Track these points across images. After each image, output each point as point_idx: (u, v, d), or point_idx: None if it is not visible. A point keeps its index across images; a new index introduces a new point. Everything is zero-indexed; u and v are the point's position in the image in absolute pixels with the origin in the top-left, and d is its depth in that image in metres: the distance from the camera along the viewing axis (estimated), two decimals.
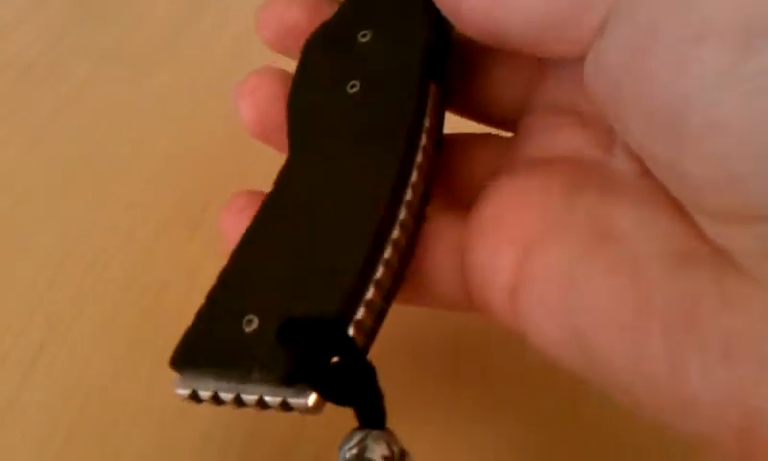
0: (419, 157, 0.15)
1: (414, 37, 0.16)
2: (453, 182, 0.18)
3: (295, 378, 0.13)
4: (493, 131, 0.19)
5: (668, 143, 0.12)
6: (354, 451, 0.13)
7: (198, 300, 0.22)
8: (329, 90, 0.16)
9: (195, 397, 0.14)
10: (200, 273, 0.23)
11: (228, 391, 0.14)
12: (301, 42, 0.17)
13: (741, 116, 0.11)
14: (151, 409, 0.19)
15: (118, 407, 0.19)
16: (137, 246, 0.23)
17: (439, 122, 0.17)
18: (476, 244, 0.16)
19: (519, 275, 0.15)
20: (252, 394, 0.14)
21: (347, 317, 0.14)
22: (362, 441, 0.13)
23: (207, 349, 0.14)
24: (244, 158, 0.26)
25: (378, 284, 0.14)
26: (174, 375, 0.15)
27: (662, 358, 0.12)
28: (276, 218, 0.15)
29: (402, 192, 0.15)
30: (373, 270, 0.14)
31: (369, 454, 0.13)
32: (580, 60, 0.14)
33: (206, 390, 0.14)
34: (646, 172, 0.14)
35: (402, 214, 0.15)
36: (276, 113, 0.17)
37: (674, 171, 0.12)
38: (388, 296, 0.15)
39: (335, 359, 0.13)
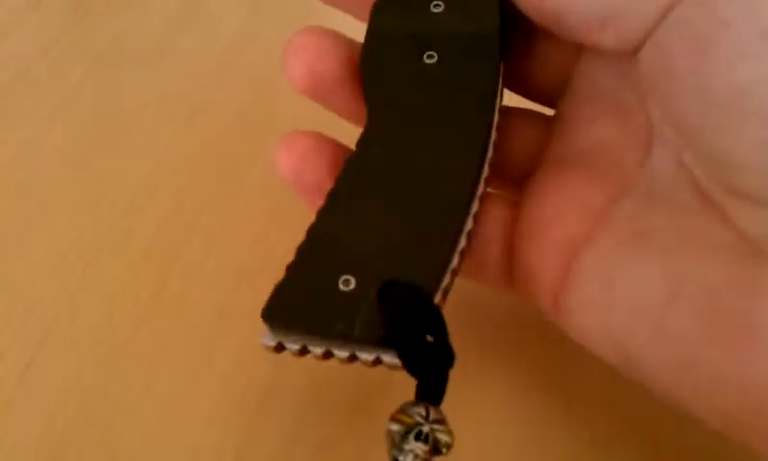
0: (493, 135, 0.16)
1: (488, 17, 0.17)
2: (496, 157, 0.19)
3: (389, 341, 0.14)
4: (533, 106, 0.20)
5: (719, 126, 0.13)
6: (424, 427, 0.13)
7: (196, 300, 0.23)
8: (406, 57, 0.17)
9: (279, 348, 0.15)
10: (198, 273, 0.23)
11: (317, 345, 0.15)
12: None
13: None
14: (148, 409, 0.20)
15: (115, 407, 0.20)
16: (135, 246, 0.23)
17: (502, 100, 0.18)
18: (524, 245, 0.17)
19: (563, 276, 0.16)
20: (345, 350, 0.14)
21: (437, 286, 0.15)
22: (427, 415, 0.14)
23: (301, 304, 0.15)
24: (241, 158, 0.26)
25: (461, 254, 0.15)
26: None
27: (691, 341, 0.13)
28: (363, 180, 0.16)
29: (482, 167, 0.16)
30: (459, 240, 0.15)
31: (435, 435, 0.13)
32: (631, 55, 0.15)
33: (295, 343, 0.15)
34: (680, 167, 0.15)
35: (480, 188, 0.16)
36: (327, 71, 0.17)
37: (718, 153, 0.13)
38: (463, 263, 0.16)
39: (430, 339, 0.14)
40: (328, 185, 0.16)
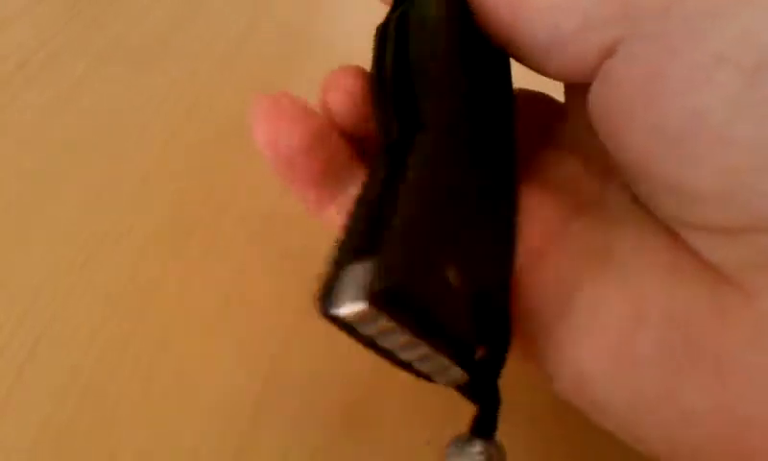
0: None
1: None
2: None
3: (484, 370, 0.13)
4: None
5: (674, 157, 0.13)
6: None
7: (192, 298, 0.22)
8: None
9: (349, 324, 0.12)
10: (195, 272, 0.23)
11: (398, 338, 0.12)
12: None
13: (750, 136, 0.12)
14: (146, 408, 0.19)
15: (114, 405, 0.19)
16: (134, 243, 0.23)
17: None
18: None
19: (516, 295, 0.15)
20: (420, 350, 0.12)
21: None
22: (487, 451, 0.13)
23: (416, 287, 0.11)
24: (241, 156, 0.26)
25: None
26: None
27: (655, 371, 0.13)
28: (446, 166, 0.14)
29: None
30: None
31: None
32: (584, 83, 0.14)
33: (374, 326, 0.12)
34: (636, 202, 0.15)
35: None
36: (295, 145, 0.16)
37: (675, 186, 0.13)
38: None
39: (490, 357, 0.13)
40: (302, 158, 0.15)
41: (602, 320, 0.14)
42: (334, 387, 0.20)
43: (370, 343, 0.12)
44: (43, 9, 0.32)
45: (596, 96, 0.14)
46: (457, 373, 0.13)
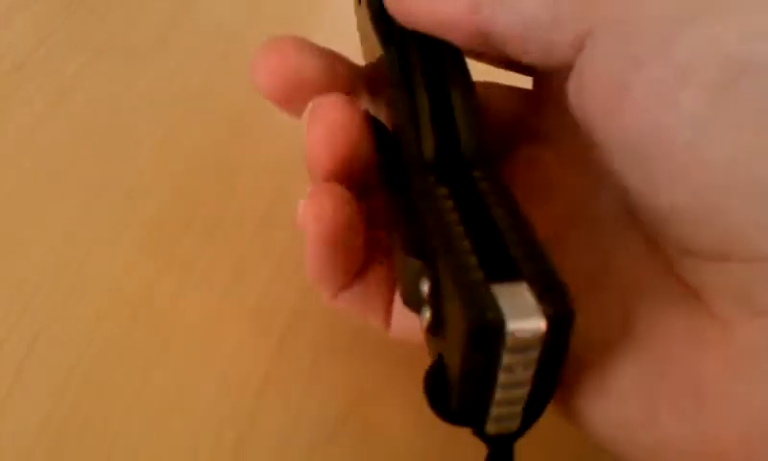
0: None
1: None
2: None
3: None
4: None
5: (644, 175, 0.12)
6: None
7: (189, 296, 0.22)
8: None
9: (491, 347, 0.11)
10: (192, 268, 0.23)
11: (512, 374, 0.12)
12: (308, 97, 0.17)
13: (716, 156, 0.11)
14: (143, 405, 0.19)
15: (111, 403, 0.19)
16: (130, 240, 0.23)
17: None
18: None
19: None
20: (519, 392, 0.12)
21: None
22: None
23: (574, 320, 0.11)
24: (238, 154, 0.26)
25: None
26: None
27: (636, 401, 0.13)
28: None
29: None
30: None
31: None
32: (561, 72, 0.14)
33: (517, 358, 0.11)
34: (626, 212, 0.14)
35: None
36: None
37: (648, 203, 0.13)
38: None
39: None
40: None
41: (587, 353, 0.13)
42: (332, 387, 0.20)
43: (479, 372, 0.12)
44: (40, 6, 0.32)
45: (572, 95, 0.14)
46: (516, 423, 0.12)
